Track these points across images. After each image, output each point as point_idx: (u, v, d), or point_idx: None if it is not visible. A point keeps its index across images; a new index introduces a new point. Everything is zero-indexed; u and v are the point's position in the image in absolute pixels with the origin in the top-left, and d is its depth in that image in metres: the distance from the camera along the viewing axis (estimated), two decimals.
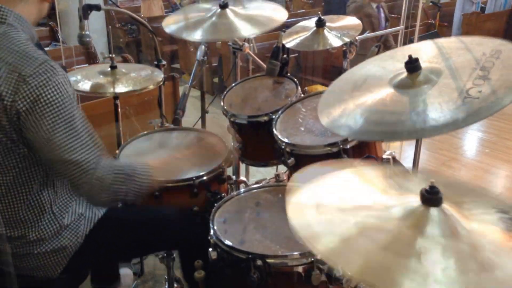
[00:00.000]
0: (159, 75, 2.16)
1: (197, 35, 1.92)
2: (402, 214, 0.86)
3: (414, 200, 0.88)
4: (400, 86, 1.16)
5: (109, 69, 2.15)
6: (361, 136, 1.18)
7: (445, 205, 0.86)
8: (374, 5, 4.80)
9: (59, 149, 1.22)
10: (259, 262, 1.25)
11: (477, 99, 1.01)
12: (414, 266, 0.75)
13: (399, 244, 0.79)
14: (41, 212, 1.38)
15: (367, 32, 3.58)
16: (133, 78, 2.12)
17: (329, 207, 0.93)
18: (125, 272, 2.27)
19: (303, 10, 7.35)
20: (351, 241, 0.82)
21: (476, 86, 1.05)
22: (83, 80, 2.09)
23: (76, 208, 1.46)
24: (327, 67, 5.23)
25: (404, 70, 1.19)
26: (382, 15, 4.87)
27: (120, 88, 2.07)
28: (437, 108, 1.04)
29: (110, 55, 2.22)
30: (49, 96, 1.19)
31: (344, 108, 1.19)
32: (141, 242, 1.61)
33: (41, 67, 1.19)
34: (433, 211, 0.85)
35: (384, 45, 4.73)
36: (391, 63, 1.30)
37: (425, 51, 1.26)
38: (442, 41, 1.31)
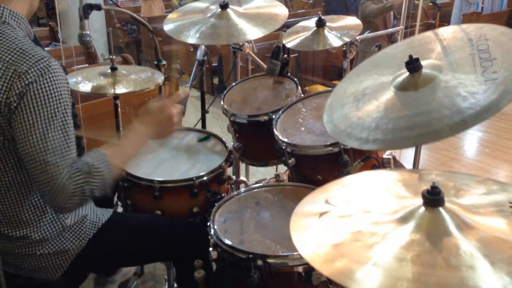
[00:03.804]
0: (159, 77, 2.16)
1: (197, 39, 1.92)
2: (413, 223, 0.85)
3: (416, 204, 0.88)
4: (407, 87, 1.15)
5: (109, 70, 2.15)
6: (399, 145, 1.14)
7: (447, 204, 0.86)
8: None
9: (33, 146, 1.18)
10: (259, 262, 1.24)
11: (498, 79, 1.00)
12: (463, 274, 0.73)
13: (428, 257, 0.78)
14: (43, 212, 1.37)
15: (368, 32, 3.58)
16: (134, 80, 2.13)
17: (335, 221, 0.92)
18: None
19: (303, 10, 7.35)
20: (387, 269, 0.77)
21: (486, 68, 1.05)
22: (84, 82, 2.09)
23: (78, 209, 1.45)
24: (327, 67, 5.23)
25: (395, 72, 1.19)
26: (391, 12, 4.89)
27: (121, 90, 2.08)
28: (465, 97, 1.02)
29: (111, 57, 2.22)
30: (36, 91, 1.17)
31: (360, 124, 1.16)
32: (142, 251, 1.60)
33: (37, 64, 1.18)
34: (439, 211, 0.84)
35: (392, 43, 4.74)
36: (382, 68, 1.31)
37: (409, 50, 1.26)
38: (422, 35, 1.31)
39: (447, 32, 1.28)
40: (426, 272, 0.74)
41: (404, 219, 0.86)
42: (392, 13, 4.88)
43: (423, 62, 1.15)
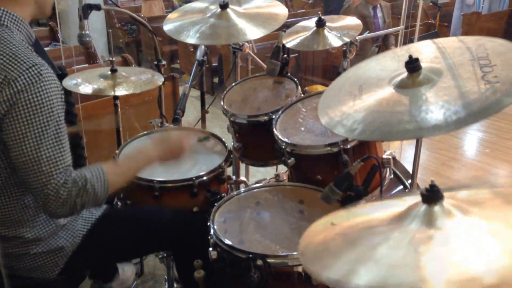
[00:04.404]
0: (160, 79, 2.16)
1: (197, 39, 1.92)
2: (415, 221, 0.85)
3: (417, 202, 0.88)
4: (405, 87, 1.16)
5: (109, 72, 2.15)
6: (397, 137, 1.16)
7: (446, 201, 0.86)
8: (370, 6, 4.81)
9: (26, 156, 1.19)
10: (259, 262, 1.25)
11: (498, 83, 1.01)
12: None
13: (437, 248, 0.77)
14: (36, 212, 1.38)
15: (367, 32, 3.58)
16: (133, 82, 2.13)
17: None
18: (126, 268, 2.26)
19: (303, 10, 7.36)
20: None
21: (487, 73, 1.06)
22: (84, 84, 2.10)
23: None
24: (327, 67, 5.23)
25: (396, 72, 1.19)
26: (379, 15, 4.87)
27: (121, 92, 2.08)
28: (465, 96, 1.03)
29: (111, 59, 2.22)
30: (27, 100, 1.17)
31: (356, 117, 1.17)
32: (139, 243, 1.61)
33: (27, 71, 1.18)
34: (438, 208, 0.84)
35: (384, 44, 4.74)
36: (378, 67, 1.31)
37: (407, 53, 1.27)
38: (420, 44, 1.33)
39: (445, 41, 1.29)
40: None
41: (405, 219, 0.86)
42: (380, 15, 4.87)
43: (422, 64, 1.15)
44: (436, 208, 0.85)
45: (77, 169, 1.27)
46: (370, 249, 0.82)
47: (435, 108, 1.05)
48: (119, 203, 1.87)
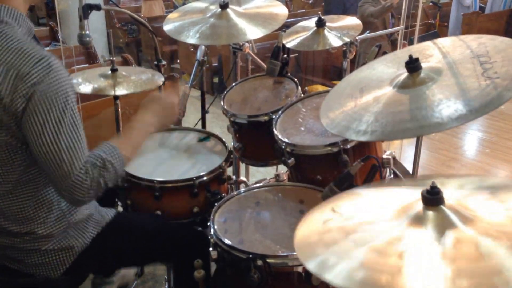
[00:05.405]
0: (159, 78, 2.16)
1: (197, 39, 1.92)
2: (407, 221, 0.85)
3: (417, 204, 0.87)
4: (406, 86, 1.16)
5: (109, 72, 2.15)
6: (398, 136, 1.16)
7: (448, 205, 0.85)
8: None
9: (46, 146, 1.20)
10: (259, 262, 1.25)
11: (498, 78, 1.02)
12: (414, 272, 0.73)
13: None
14: (50, 209, 1.38)
15: (368, 32, 3.59)
16: (134, 81, 2.13)
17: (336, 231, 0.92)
18: None
19: (303, 10, 7.37)
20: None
21: (487, 69, 1.06)
22: (84, 83, 2.10)
23: (84, 207, 1.46)
24: (327, 67, 5.23)
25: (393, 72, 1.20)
26: (390, 12, 4.92)
27: (121, 91, 2.08)
28: (466, 94, 1.03)
29: (111, 58, 2.23)
30: (42, 92, 1.18)
31: (358, 118, 1.17)
32: (144, 252, 1.61)
33: (38, 65, 1.19)
34: (436, 212, 0.83)
35: (393, 42, 4.76)
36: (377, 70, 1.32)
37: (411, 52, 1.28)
38: (420, 45, 1.34)
39: (445, 41, 1.30)
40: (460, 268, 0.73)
41: (412, 222, 0.85)
42: (390, 12, 4.90)
43: (423, 65, 1.16)
44: (434, 212, 0.84)
45: (89, 152, 1.29)
46: (353, 246, 0.82)
47: (437, 106, 1.05)
48: (119, 203, 1.87)
